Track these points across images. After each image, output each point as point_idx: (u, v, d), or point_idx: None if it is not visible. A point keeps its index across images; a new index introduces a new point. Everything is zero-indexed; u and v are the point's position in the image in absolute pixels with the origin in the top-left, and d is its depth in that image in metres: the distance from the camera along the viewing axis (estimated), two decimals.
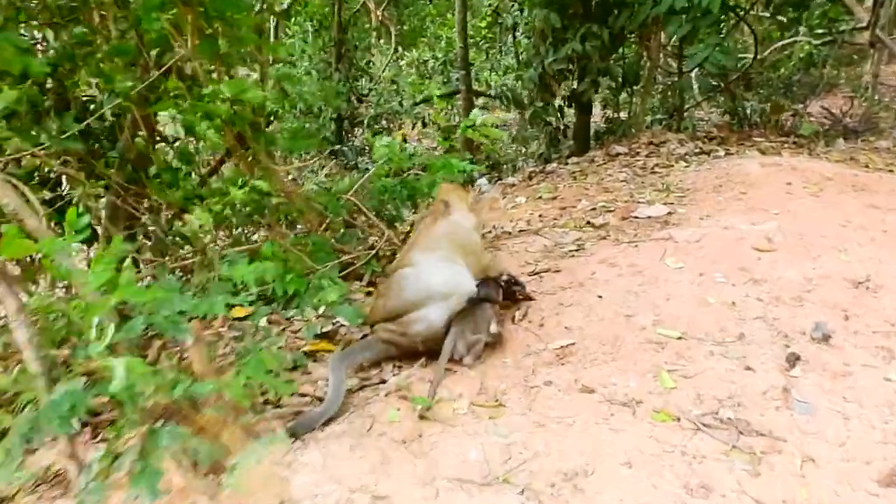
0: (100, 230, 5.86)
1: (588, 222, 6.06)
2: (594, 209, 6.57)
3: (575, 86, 10.76)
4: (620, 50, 11.21)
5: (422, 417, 3.32)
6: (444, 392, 3.58)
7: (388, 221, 5.57)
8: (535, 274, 4.99)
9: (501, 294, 4.13)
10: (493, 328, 3.89)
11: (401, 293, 3.89)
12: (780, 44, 13.40)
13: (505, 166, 14.60)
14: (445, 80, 17.87)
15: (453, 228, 4.12)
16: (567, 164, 10.15)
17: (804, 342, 3.79)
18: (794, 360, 3.61)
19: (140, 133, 5.53)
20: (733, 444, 3.05)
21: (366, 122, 16.08)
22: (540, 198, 7.41)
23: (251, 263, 3.37)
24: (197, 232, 4.00)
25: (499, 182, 10.76)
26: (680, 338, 3.89)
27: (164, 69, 4.86)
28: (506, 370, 3.80)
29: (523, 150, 14.11)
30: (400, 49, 20.13)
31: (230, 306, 3.46)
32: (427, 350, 3.88)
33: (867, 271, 4.45)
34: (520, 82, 12.06)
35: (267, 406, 3.54)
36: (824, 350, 3.71)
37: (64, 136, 5.15)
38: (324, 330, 4.35)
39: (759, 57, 12.51)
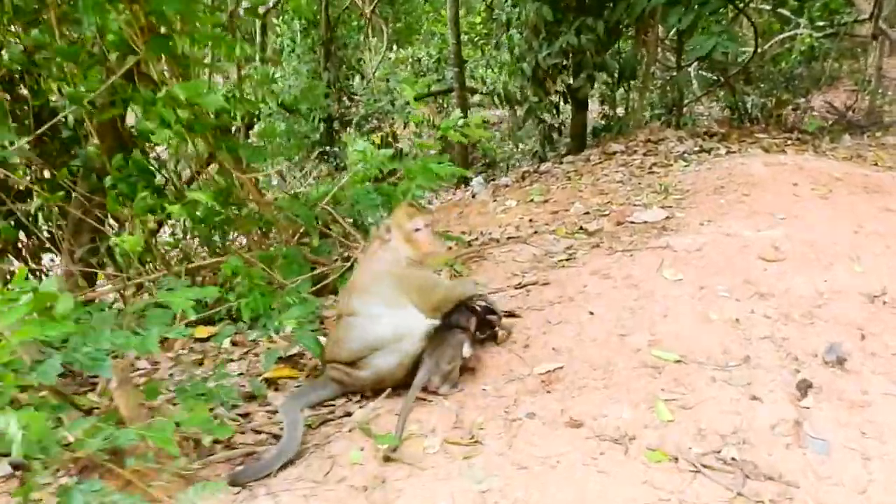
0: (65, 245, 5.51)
1: (581, 228, 5.68)
2: (588, 213, 6.19)
3: (570, 81, 10.37)
4: (616, 44, 10.80)
5: (387, 459, 2.94)
6: (414, 426, 3.21)
7: (364, 231, 5.19)
8: (521, 287, 4.61)
9: (475, 322, 3.70)
10: (466, 351, 3.52)
11: (344, 345, 3.53)
12: (780, 37, 13.00)
13: (501, 165, 14.22)
14: (440, 77, 17.48)
15: (393, 261, 3.63)
16: (562, 163, 9.77)
17: (816, 366, 3.41)
18: (805, 387, 3.23)
19: (94, 142, 5.17)
20: (738, 491, 2.67)
21: (355, 121, 15.69)
22: (531, 201, 7.04)
23: (191, 287, 3.00)
24: (129, 253, 3.61)
25: (492, 183, 10.39)
26: (678, 361, 3.51)
27: (122, 72, 4.49)
28: (485, 399, 3.42)
29: (518, 148, 13.72)
30: (395, 46, 19.75)
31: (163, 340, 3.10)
32: (381, 389, 3.54)
33: (883, 283, 4.07)
34: (512, 78, 11.65)
35: (217, 446, 3.16)
36: (839, 376, 3.33)
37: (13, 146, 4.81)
38: (289, 353, 3.97)
39: (759, 50, 12.11)
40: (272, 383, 3.80)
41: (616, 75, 10.73)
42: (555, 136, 11.88)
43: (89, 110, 4.73)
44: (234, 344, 4.33)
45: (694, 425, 3.06)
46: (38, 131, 5.08)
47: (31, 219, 5.50)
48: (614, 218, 5.78)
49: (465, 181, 13.08)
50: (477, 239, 5.97)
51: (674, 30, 10.68)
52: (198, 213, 4.78)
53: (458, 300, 3.69)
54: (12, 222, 5.43)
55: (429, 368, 3.46)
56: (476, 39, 20.11)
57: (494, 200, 7.60)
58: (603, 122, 12.20)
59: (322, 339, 3.73)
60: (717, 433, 3.00)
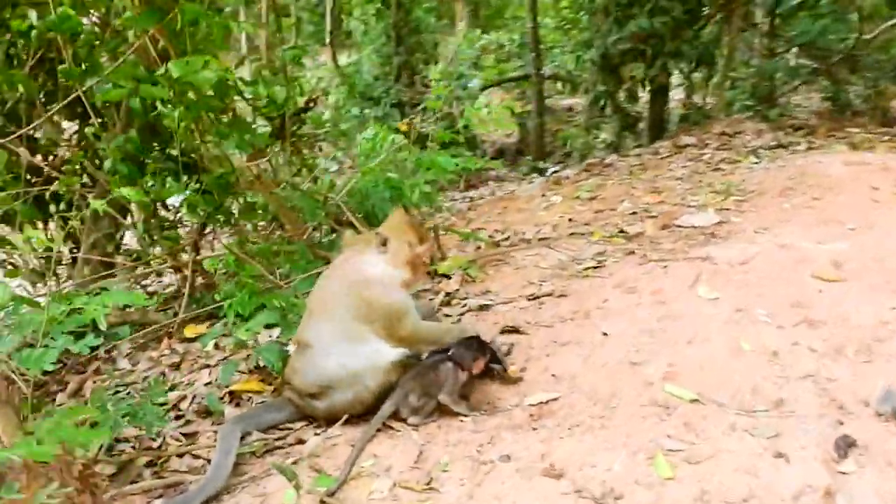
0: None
1: (621, 230, 5.08)
2: (634, 213, 5.56)
3: (645, 68, 9.62)
4: (696, 28, 9.92)
5: None
6: (369, 461, 2.78)
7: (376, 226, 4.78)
8: (534, 298, 4.09)
9: (480, 363, 3.18)
10: (443, 396, 3.05)
11: (299, 375, 3.14)
12: (890, 23, 11.70)
13: (577, 157, 13.49)
14: (524, 63, 16.85)
15: (360, 283, 3.16)
16: (629, 155, 9.08)
17: (865, 418, 2.76)
18: (846, 445, 2.60)
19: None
20: None
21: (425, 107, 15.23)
22: (577, 197, 6.44)
23: (112, 293, 2.65)
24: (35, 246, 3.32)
25: (555, 174, 9.78)
26: (695, 400, 2.93)
27: (132, 51, 4.24)
28: (459, 434, 2.95)
29: (598, 138, 12.96)
30: (478, 31, 19.24)
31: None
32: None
33: None
34: (580, 64, 10.96)
35: (145, 472, 2.83)
36: (893, 433, 2.67)
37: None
38: (262, 363, 3.61)
39: (865, 36, 10.91)
40: (235, 397, 3.45)
41: (694, 62, 9.88)
42: (633, 126, 11.11)
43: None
44: (217, 347, 4.00)
45: (697, 486, 2.49)
46: (54, 109, 4.93)
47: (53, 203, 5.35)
48: (661, 220, 5.14)
49: (540, 172, 12.48)
50: (507, 238, 5.45)
51: (775, 11, 9.70)
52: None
53: (431, 342, 3.22)
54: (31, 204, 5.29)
55: (396, 401, 3.02)
56: (562, 24, 19.32)
57: (543, 195, 7.03)
58: (684, 113, 11.33)
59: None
60: (725, 499, 2.43)
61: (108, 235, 5.30)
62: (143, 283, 5.76)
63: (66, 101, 4.72)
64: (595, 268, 4.38)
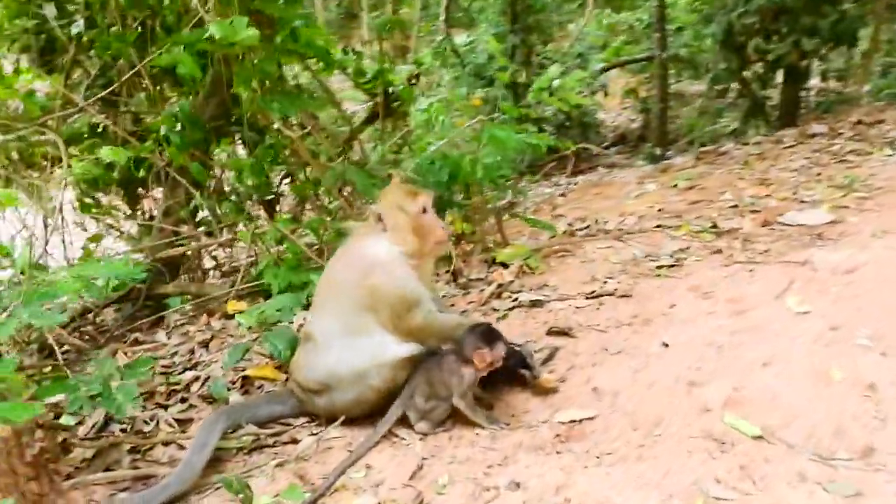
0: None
1: (713, 225, 4.44)
2: (734, 206, 4.88)
3: (771, 47, 8.64)
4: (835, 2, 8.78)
5: None
6: (359, 474, 2.44)
7: (438, 205, 4.39)
8: (594, 297, 3.60)
9: (485, 356, 2.68)
10: (456, 399, 2.64)
11: (303, 372, 2.83)
12: None
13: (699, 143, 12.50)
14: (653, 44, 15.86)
15: (363, 269, 2.78)
16: (748, 143, 8.21)
17: None
18: None
19: None
20: None
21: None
22: (674, 186, 5.78)
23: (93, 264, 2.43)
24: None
25: (664, 162, 9.01)
26: (758, 437, 2.38)
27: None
28: (469, 449, 2.56)
29: (722, 125, 11.92)
30: (608, 11, 18.34)
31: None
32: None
33: None
34: (699, 42, 10.04)
35: (128, 457, 2.61)
36: None
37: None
38: None
39: None
40: (248, 384, 3.20)
41: (832, 41, 8.75)
42: (762, 112, 10.06)
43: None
44: (250, 328, 3.77)
45: None
46: (122, 79, 4.88)
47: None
48: (763, 216, 4.46)
49: (657, 159, 11.64)
50: (586, 228, 4.93)
51: None
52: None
53: (445, 338, 2.80)
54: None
55: (403, 403, 2.66)
56: (693, 1, 18.04)
57: (640, 183, 6.41)
58: (819, 100, 10.17)
59: None
60: None
61: (180, 204, 5.21)
62: (215, 253, 5.67)
63: (133, 71, 4.66)
64: (671, 266, 3.82)
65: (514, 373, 2.85)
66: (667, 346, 3.02)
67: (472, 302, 3.77)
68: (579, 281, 3.82)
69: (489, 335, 2.72)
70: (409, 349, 2.72)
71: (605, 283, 3.74)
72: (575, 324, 3.35)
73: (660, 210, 5.08)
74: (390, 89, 5.18)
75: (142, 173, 5.05)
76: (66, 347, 3.94)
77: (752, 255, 3.71)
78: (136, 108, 5.27)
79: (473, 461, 2.49)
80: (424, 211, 2.78)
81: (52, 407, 2.76)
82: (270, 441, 2.70)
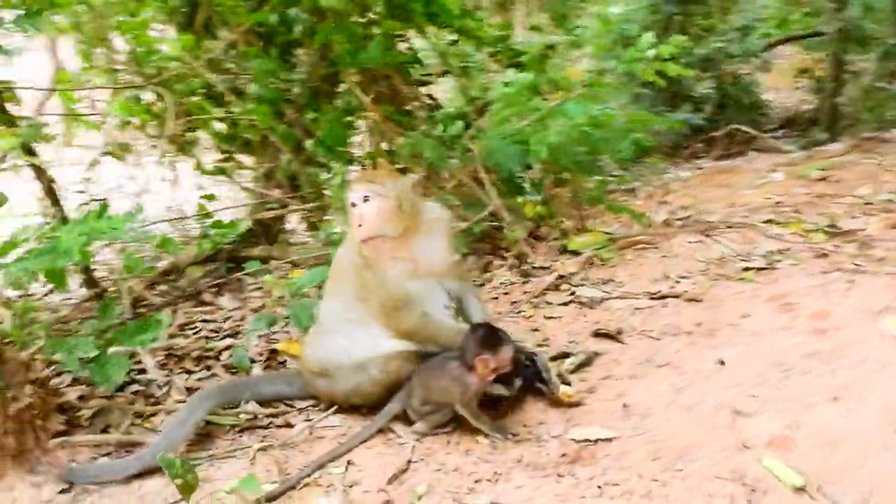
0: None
1: (831, 224, 3.81)
2: (869, 204, 4.18)
3: None
4: None
5: None
6: (336, 471, 2.27)
7: (510, 186, 4.09)
8: (659, 298, 3.18)
9: (489, 362, 2.37)
10: (459, 407, 2.39)
11: (307, 351, 2.68)
12: None
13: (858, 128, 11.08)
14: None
15: (355, 257, 2.56)
16: None
17: None
18: None
19: None
20: None
21: (693, 62, 13.50)
22: (803, 176, 5.07)
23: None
24: None
25: (817, 149, 8.04)
26: (800, 489, 1.95)
27: None
28: (461, 459, 2.31)
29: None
30: None
31: None
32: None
33: None
34: (867, 12, 8.79)
35: (126, 421, 2.60)
36: None
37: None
38: None
39: None
40: (274, 358, 3.11)
41: None
42: None
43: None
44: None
45: None
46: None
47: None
48: (895, 218, 3.77)
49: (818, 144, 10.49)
50: (689, 217, 4.41)
51: None
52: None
53: (439, 344, 2.52)
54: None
55: (402, 400, 2.44)
56: None
57: (773, 171, 5.69)
58: None
59: None
60: None
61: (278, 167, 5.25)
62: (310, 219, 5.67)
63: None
64: (761, 269, 3.30)
65: (531, 384, 2.54)
66: (723, 363, 2.59)
67: (527, 292, 3.47)
68: (650, 278, 3.40)
69: (491, 338, 2.41)
70: (407, 344, 2.49)
71: (678, 283, 3.30)
72: (628, 327, 2.97)
73: (777, 203, 4.46)
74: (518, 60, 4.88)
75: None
76: (144, 302, 4.07)
77: (862, 264, 3.12)
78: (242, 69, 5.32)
79: (462, 472, 2.23)
80: (352, 203, 2.50)
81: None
82: (265, 422, 2.58)
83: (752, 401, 2.34)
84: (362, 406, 2.56)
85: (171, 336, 3.49)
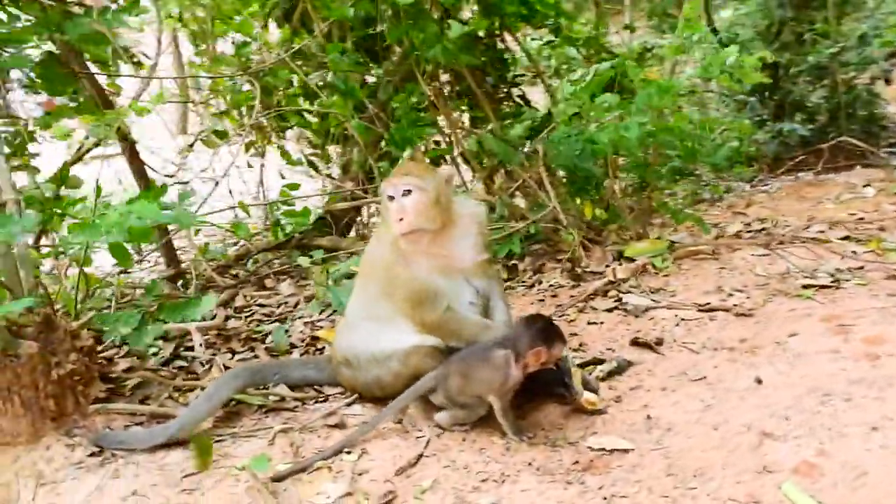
0: None
1: None
2: None
3: None
4: None
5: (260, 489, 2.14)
6: (351, 457, 2.30)
7: (574, 188, 4.02)
8: (707, 310, 3.06)
9: (541, 354, 2.34)
10: (493, 399, 2.35)
11: (335, 340, 2.74)
12: None
13: None
14: None
15: (383, 252, 2.57)
16: None
17: None
18: None
19: None
20: None
21: (805, 70, 12.72)
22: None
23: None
24: None
25: None
26: None
27: None
28: (473, 457, 2.29)
29: None
30: None
31: None
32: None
33: None
34: None
35: (165, 393, 2.73)
36: None
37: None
38: None
39: None
40: (314, 344, 3.19)
41: None
42: None
43: None
44: None
45: None
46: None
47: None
48: None
49: None
50: (764, 230, 4.21)
51: None
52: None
53: (463, 339, 2.51)
54: None
55: (435, 378, 2.41)
56: None
57: (867, 185, 5.34)
58: None
59: None
60: None
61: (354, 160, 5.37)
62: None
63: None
64: (824, 287, 3.11)
65: (551, 388, 2.50)
66: (760, 382, 2.46)
67: (573, 296, 3.40)
68: (702, 290, 3.26)
69: (548, 332, 2.38)
70: (431, 340, 2.50)
71: (731, 295, 3.15)
72: (669, 338, 2.87)
73: (860, 219, 4.19)
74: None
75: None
76: (212, 284, 4.26)
77: None
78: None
79: (471, 471, 2.22)
80: (389, 196, 2.49)
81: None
82: (292, 405, 2.65)
83: (783, 424, 2.22)
84: (384, 398, 2.59)
85: (227, 317, 3.64)
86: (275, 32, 5.65)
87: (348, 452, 2.30)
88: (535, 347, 2.34)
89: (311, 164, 5.63)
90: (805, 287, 3.12)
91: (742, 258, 3.61)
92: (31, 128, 3.89)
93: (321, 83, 4.98)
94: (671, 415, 2.38)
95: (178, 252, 4.73)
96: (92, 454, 2.34)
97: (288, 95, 5.51)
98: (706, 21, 14.34)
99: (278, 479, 2.18)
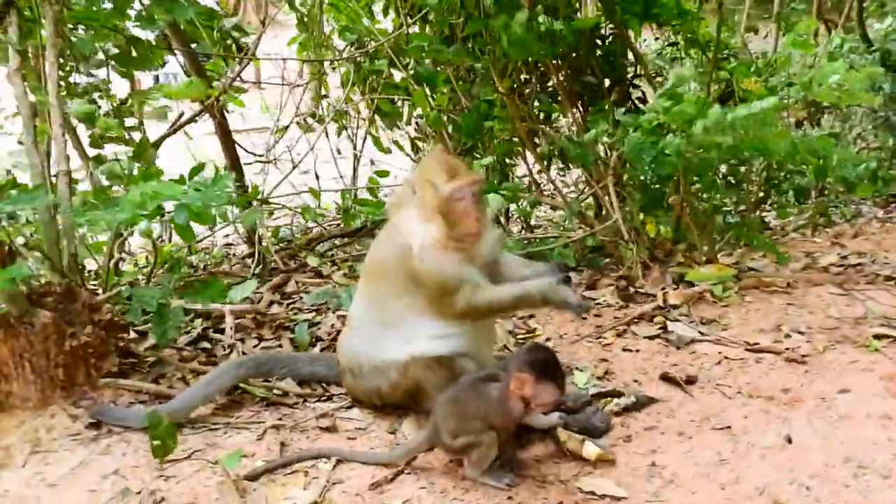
0: None
1: None
2: None
3: None
4: None
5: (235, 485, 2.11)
6: (326, 465, 2.22)
7: (645, 200, 3.74)
8: (756, 350, 2.76)
9: (524, 383, 2.08)
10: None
11: (340, 349, 2.64)
12: None
13: None
14: None
15: (400, 250, 2.42)
16: None
17: None
18: None
19: None
20: None
21: None
22: None
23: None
24: None
25: None
26: None
27: None
28: (452, 483, 2.16)
29: None
30: None
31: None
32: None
33: None
34: None
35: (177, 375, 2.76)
36: None
37: None
38: None
39: None
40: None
41: None
42: None
43: None
44: None
45: None
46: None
47: None
48: None
49: None
50: (858, 265, 3.77)
51: None
52: None
53: (500, 312, 2.39)
54: None
55: (429, 437, 2.20)
56: None
57: None
58: None
59: None
60: None
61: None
62: None
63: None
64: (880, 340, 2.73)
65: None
66: (790, 441, 2.18)
67: (617, 318, 3.17)
68: (759, 327, 2.95)
69: (543, 365, 2.11)
70: (439, 347, 2.38)
71: (788, 337, 2.83)
72: (705, 377, 2.61)
73: None
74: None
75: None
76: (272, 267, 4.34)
77: None
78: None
79: (447, 496, 2.10)
80: (458, 198, 2.34)
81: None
82: (293, 401, 2.61)
83: (802, 494, 1.96)
84: (382, 406, 2.51)
85: (271, 302, 3.67)
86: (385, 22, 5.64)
87: (326, 461, 2.24)
88: (520, 373, 2.08)
89: (401, 149, 5.60)
90: (876, 337, 2.75)
91: (818, 295, 3.24)
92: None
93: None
94: (679, 465, 2.15)
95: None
96: (91, 426, 2.40)
97: (383, 83, 5.50)
98: (859, 31, 13.21)
99: (252, 477, 2.15)
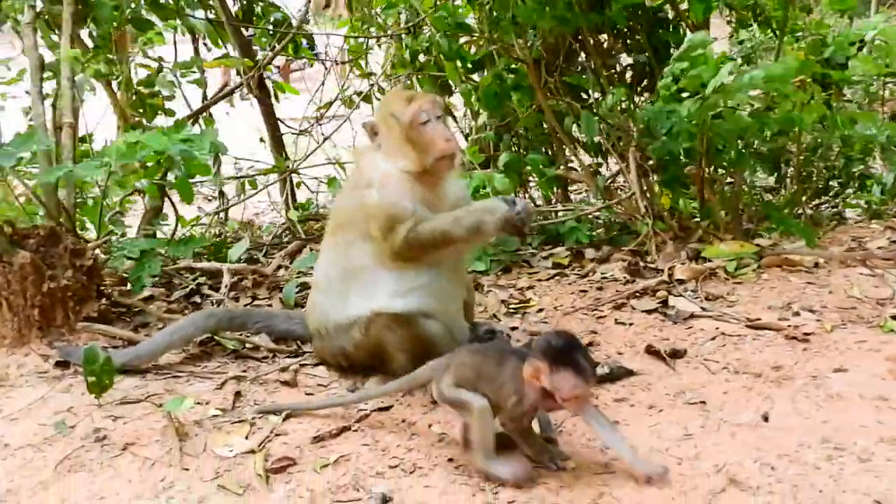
0: None
1: None
2: None
3: None
4: None
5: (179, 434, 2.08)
6: (274, 418, 2.17)
7: (667, 175, 3.53)
8: (756, 327, 2.55)
9: (540, 371, 1.82)
10: (506, 422, 1.94)
11: (306, 312, 2.63)
12: None
13: None
14: None
15: (358, 191, 2.37)
16: None
17: None
18: None
19: None
20: None
21: None
22: None
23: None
24: None
25: None
26: None
27: None
28: (396, 441, 2.07)
29: None
30: None
31: None
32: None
33: None
34: None
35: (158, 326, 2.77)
36: None
37: None
38: None
39: None
40: None
41: None
42: None
43: None
44: None
45: None
46: None
47: None
48: None
49: None
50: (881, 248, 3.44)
51: None
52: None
53: (437, 243, 2.27)
54: None
55: (433, 370, 2.03)
56: None
57: None
58: None
59: None
60: None
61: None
62: None
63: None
64: None
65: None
66: (766, 419, 1.99)
67: (619, 291, 2.99)
68: (768, 304, 2.72)
69: (564, 353, 1.82)
70: (399, 305, 2.28)
71: (797, 315, 2.60)
72: (694, 352, 2.42)
73: None
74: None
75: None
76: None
77: None
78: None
79: (387, 454, 2.00)
80: (423, 121, 2.24)
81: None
82: (262, 355, 2.57)
83: (764, 473, 1.77)
84: (348, 367, 2.44)
85: (279, 266, 3.66)
86: None
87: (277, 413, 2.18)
88: (536, 359, 1.83)
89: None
90: (894, 318, 2.49)
91: (845, 275, 2.97)
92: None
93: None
94: (639, 439, 1.98)
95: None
96: (58, 365, 2.43)
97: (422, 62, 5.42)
98: None
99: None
